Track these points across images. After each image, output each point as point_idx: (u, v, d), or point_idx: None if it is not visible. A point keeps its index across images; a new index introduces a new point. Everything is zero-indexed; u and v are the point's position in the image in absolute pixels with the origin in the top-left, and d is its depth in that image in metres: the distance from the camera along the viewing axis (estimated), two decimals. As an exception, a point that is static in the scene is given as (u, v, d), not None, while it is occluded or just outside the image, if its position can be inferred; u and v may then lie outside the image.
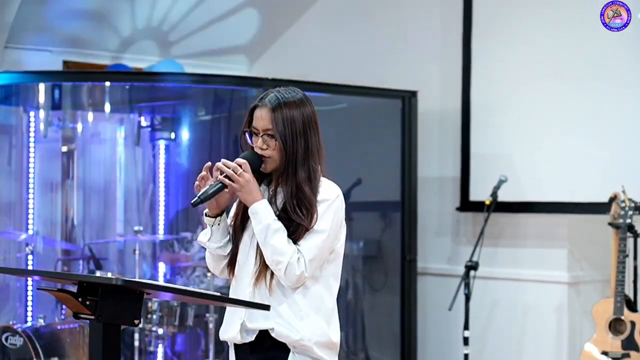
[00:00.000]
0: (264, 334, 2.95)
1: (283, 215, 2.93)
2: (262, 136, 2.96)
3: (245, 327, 2.96)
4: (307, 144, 2.96)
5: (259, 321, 2.94)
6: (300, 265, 2.89)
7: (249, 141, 3.00)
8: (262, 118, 2.96)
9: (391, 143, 6.29)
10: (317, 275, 2.97)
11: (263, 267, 2.95)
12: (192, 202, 2.91)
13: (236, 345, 3.03)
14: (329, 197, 2.97)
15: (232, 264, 3.05)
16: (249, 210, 2.94)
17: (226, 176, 2.92)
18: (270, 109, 2.96)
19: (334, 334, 3.01)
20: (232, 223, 3.05)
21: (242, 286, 2.99)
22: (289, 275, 2.89)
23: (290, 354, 2.94)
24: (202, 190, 2.92)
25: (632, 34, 5.38)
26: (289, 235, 2.91)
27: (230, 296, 3.03)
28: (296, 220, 2.91)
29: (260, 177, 3.00)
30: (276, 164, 2.97)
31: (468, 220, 6.32)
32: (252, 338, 2.96)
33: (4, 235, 5.98)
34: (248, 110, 3.02)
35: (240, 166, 2.92)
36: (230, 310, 3.04)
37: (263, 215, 2.91)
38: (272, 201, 2.97)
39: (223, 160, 2.95)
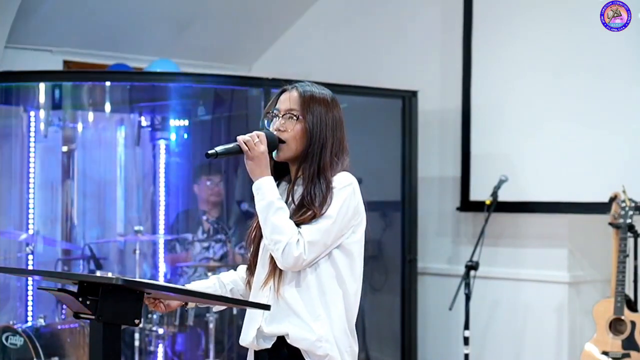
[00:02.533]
0: (281, 342, 2.88)
1: (297, 209, 2.86)
2: (282, 116, 2.92)
3: (262, 332, 2.90)
4: (335, 139, 2.92)
5: (275, 324, 2.87)
6: (299, 247, 2.80)
7: (266, 127, 2.95)
8: (288, 99, 2.93)
9: (391, 143, 6.29)
10: (333, 274, 2.90)
11: (273, 271, 2.89)
12: (208, 152, 2.88)
13: (256, 353, 2.97)
14: (339, 185, 2.89)
15: (251, 273, 3.02)
16: (253, 186, 2.87)
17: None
18: (300, 93, 2.93)
19: (352, 338, 2.94)
20: (249, 233, 3.02)
21: (259, 293, 2.94)
22: (287, 256, 2.80)
23: None
24: (220, 147, 2.88)
25: (632, 34, 5.39)
26: (297, 217, 2.84)
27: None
28: (307, 205, 2.84)
29: (277, 173, 2.95)
30: (291, 151, 2.91)
31: (468, 220, 6.32)
32: (268, 345, 2.90)
33: (4, 235, 5.98)
34: (275, 95, 2.99)
35: (258, 137, 2.87)
36: (248, 315, 2.97)
37: (267, 191, 2.85)
38: (288, 203, 2.90)
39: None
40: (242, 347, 3.01)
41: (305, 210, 2.85)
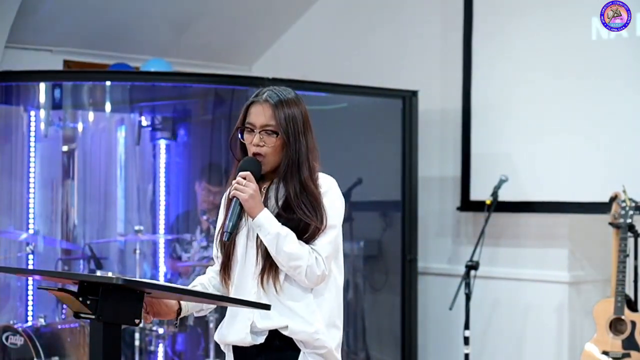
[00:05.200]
0: (273, 335, 2.91)
1: (285, 214, 2.91)
2: (259, 132, 2.93)
3: (255, 328, 2.92)
4: (307, 142, 2.95)
5: (271, 319, 2.90)
6: (320, 265, 2.88)
7: (240, 139, 2.97)
8: (262, 114, 2.93)
9: (392, 143, 6.29)
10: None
11: (269, 267, 2.91)
12: (225, 238, 2.91)
13: (236, 349, 2.97)
14: (329, 190, 2.97)
15: (225, 270, 3.02)
16: (253, 223, 2.91)
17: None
18: (272, 105, 2.93)
19: (340, 333, 3.00)
20: (220, 233, 3.02)
21: (246, 288, 2.94)
22: (310, 276, 2.88)
23: (301, 353, 2.90)
24: (227, 223, 2.90)
25: (632, 33, 5.39)
26: (300, 236, 2.89)
27: None
28: (305, 220, 2.89)
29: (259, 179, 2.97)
30: (273, 162, 2.95)
31: (468, 220, 6.32)
32: (262, 340, 2.92)
33: (5, 234, 5.98)
34: (243, 108, 3.00)
35: (244, 178, 2.90)
36: (232, 312, 2.99)
37: (268, 225, 2.88)
38: (268, 197, 2.94)
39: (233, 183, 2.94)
40: (235, 346, 2.99)
41: (305, 226, 2.89)
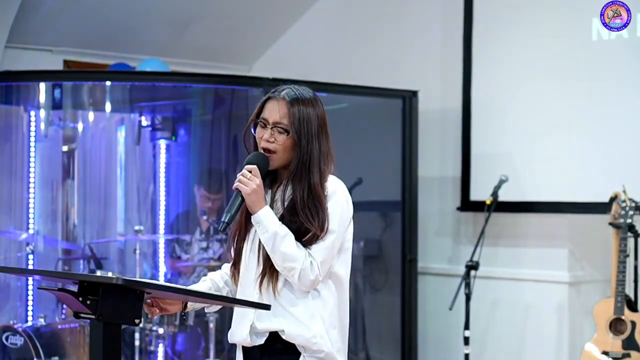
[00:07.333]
0: (274, 337, 2.91)
1: (289, 216, 2.89)
2: (271, 128, 2.91)
3: (255, 329, 2.91)
4: (320, 145, 2.92)
5: (270, 321, 2.90)
6: (314, 269, 2.85)
7: (252, 133, 2.96)
8: (276, 110, 2.91)
9: (392, 143, 6.29)
10: (328, 274, 2.93)
11: (268, 271, 2.90)
12: (220, 228, 2.88)
13: (245, 349, 2.98)
14: (333, 195, 2.92)
15: (236, 268, 3.02)
16: (252, 219, 2.89)
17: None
18: (288, 103, 2.90)
19: (343, 334, 2.98)
20: (236, 229, 3.02)
21: (248, 291, 2.95)
22: (303, 280, 2.85)
23: (301, 357, 2.89)
24: (224, 214, 2.88)
25: (632, 33, 5.39)
26: (299, 238, 2.87)
27: None
28: (306, 224, 2.86)
29: (265, 175, 2.95)
30: (281, 160, 2.92)
31: (468, 220, 6.32)
32: (262, 341, 2.92)
33: (5, 234, 5.98)
34: (260, 102, 2.97)
35: (250, 172, 2.88)
36: (238, 312, 2.99)
37: (267, 223, 2.86)
38: (275, 200, 2.93)
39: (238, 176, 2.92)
40: (243, 346, 3.01)
41: (306, 230, 2.87)
